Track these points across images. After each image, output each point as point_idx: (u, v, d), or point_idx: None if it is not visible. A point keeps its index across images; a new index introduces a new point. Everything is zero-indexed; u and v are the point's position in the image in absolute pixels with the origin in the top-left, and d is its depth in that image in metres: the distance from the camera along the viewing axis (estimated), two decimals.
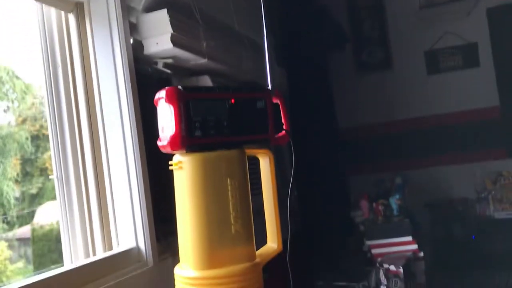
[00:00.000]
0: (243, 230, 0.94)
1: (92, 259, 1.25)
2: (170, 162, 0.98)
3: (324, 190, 2.56)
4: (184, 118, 0.90)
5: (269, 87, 1.26)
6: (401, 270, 2.08)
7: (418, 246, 2.35)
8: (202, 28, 1.59)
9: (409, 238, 2.37)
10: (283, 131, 1.05)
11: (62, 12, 1.33)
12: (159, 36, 1.38)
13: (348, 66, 3.35)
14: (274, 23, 2.49)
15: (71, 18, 1.34)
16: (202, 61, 1.58)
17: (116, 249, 1.32)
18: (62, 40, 1.34)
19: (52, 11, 1.33)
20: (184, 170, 0.93)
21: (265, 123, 1.02)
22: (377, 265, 2.17)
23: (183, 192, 0.94)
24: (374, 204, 2.54)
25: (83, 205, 1.33)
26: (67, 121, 1.33)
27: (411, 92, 3.20)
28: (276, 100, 1.04)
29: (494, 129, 3.01)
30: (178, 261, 1.00)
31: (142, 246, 1.32)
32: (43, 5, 1.31)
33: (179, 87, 0.91)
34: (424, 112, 3.18)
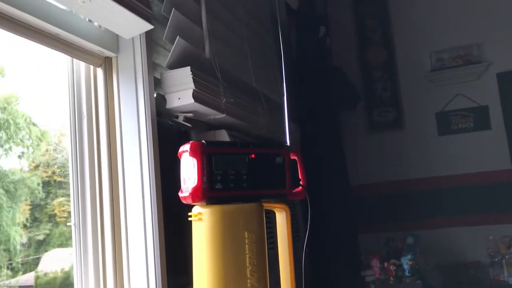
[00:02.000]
0: (258, 285, 0.95)
1: None
2: (189, 213, 1.00)
3: (335, 247, 2.54)
4: (206, 171, 0.93)
5: (287, 143, 1.30)
6: None
7: None
8: (222, 84, 1.65)
9: None
10: (300, 187, 1.07)
11: (91, 66, 1.40)
12: (182, 91, 1.44)
13: (361, 125, 3.41)
14: (289, 81, 2.57)
15: (99, 72, 1.41)
16: (221, 116, 1.63)
17: None
18: (89, 92, 1.40)
19: (82, 65, 1.40)
20: (203, 221, 0.96)
21: (283, 178, 1.04)
22: None
23: (201, 243, 0.96)
24: (385, 264, 2.51)
25: (98, 252, 1.35)
26: (88, 169, 1.37)
27: (423, 152, 3.24)
28: (293, 156, 1.08)
29: (508, 192, 3.00)
30: None
31: None
32: (74, 59, 1.38)
33: (203, 141, 0.95)
34: (436, 173, 3.20)
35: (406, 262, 2.46)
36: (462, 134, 3.22)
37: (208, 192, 0.94)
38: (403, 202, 3.19)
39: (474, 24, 3.22)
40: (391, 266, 2.49)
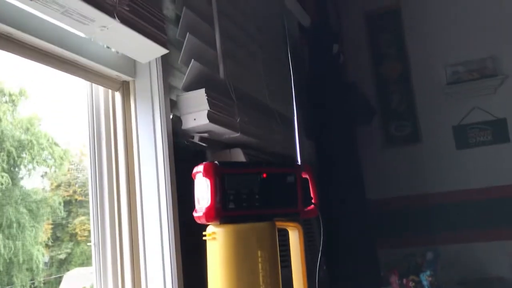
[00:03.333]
0: None
1: None
2: (204, 233, 1.03)
3: (353, 263, 2.53)
4: (219, 191, 0.96)
5: (299, 161, 1.32)
6: None
7: None
8: (236, 104, 1.69)
9: None
10: (312, 205, 1.09)
11: (110, 91, 1.46)
12: (197, 112, 1.48)
13: (377, 139, 3.41)
14: (303, 96, 2.60)
15: (117, 95, 1.46)
16: (235, 135, 1.66)
17: None
18: (107, 115, 1.45)
19: (100, 89, 1.45)
20: (217, 240, 0.98)
21: (295, 197, 1.07)
22: None
23: (215, 261, 0.98)
24: (404, 280, 2.48)
25: (117, 272, 1.38)
26: (107, 189, 1.41)
27: (441, 166, 3.22)
28: (305, 175, 1.10)
29: None
30: None
31: None
32: (93, 84, 1.43)
33: (216, 162, 0.98)
34: (455, 187, 3.17)
35: (425, 278, 2.43)
36: (480, 147, 3.20)
37: (222, 211, 0.97)
38: (421, 217, 3.16)
39: (489, 37, 3.21)
40: (410, 283, 2.46)
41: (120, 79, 1.44)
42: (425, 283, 2.43)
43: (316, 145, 2.65)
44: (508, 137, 3.14)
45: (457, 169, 3.18)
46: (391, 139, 3.41)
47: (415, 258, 2.83)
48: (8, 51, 1.09)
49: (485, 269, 2.98)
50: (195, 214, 1.02)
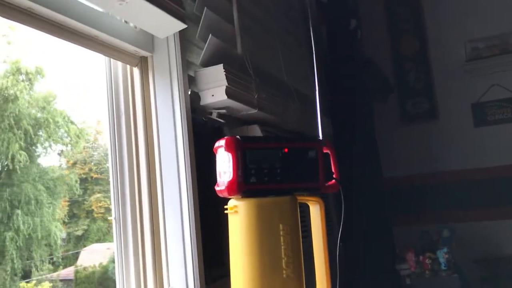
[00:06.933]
0: (294, 275, 0.97)
1: None
2: (225, 206, 1.03)
3: (369, 240, 2.53)
4: (241, 165, 0.96)
5: (320, 137, 1.31)
6: None
7: None
8: (254, 80, 1.68)
9: None
10: (333, 180, 1.09)
11: (128, 66, 1.45)
12: (215, 88, 1.48)
13: (394, 116, 3.37)
14: (321, 74, 2.57)
15: (136, 71, 1.46)
16: (253, 111, 1.66)
17: None
18: (126, 91, 1.45)
19: (119, 65, 1.45)
20: (239, 214, 0.99)
21: (316, 172, 1.06)
22: None
23: (237, 235, 0.99)
24: (421, 258, 2.49)
25: (138, 246, 1.40)
26: (127, 165, 1.42)
27: (458, 144, 3.18)
28: (326, 150, 1.09)
29: None
30: None
31: None
32: (111, 59, 1.43)
33: (238, 136, 0.98)
34: (472, 165, 3.14)
35: (442, 255, 2.43)
36: (499, 125, 3.15)
37: (243, 185, 0.97)
38: (438, 195, 3.14)
39: (510, 11, 3.13)
40: (427, 260, 2.46)
41: (138, 55, 1.44)
42: (441, 260, 2.43)
43: (332, 122, 2.64)
44: None
45: (475, 147, 3.14)
46: (407, 116, 3.37)
47: (430, 236, 2.82)
48: (28, 25, 1.09)
49: (501, 247, 2.97)
50: (217, 188, 1.03)
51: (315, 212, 1.09)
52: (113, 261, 1.42)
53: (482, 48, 3.21)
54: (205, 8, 1.52)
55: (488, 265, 2.84)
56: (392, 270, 2.59)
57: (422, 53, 3.39)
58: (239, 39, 1.70)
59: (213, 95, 1.48)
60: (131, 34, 1.37)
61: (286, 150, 1.03)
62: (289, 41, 2.29)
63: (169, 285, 1.39)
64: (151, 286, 1.37)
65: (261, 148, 1.01)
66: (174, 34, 1.42)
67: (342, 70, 2.77)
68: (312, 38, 1.53)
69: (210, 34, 1.50)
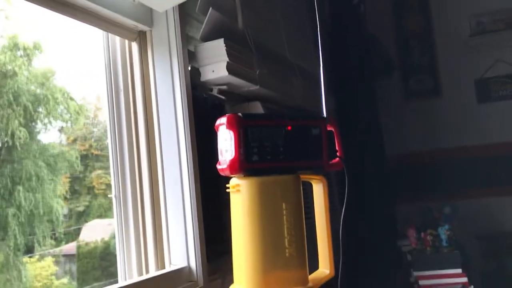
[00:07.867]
0: (296, 254, 0.96)
1: (145, 276, 1.29)
2: (227, 185, 1.01)
3: (370, 217, 2.53)
4: (243, 143, 0.94)
5: (324, 114, 1.29)
6: None
7: (469, 279, 2.28)
8: (255, 56, 1.64)
9: (459, 271, 2.30)
10: (337, 158, 1.07)
11: (126, 41, 1.42)
12: (215, 64, 1.44)
13: (397, 93, 3.34)
14: (325, 50, 2.52)
15: (134, 46, 1.42)
16: (255, 88, 1.63)
17: (168, 268, 1.36)
18: (125, 67, 1.42)
19: (117, 39, 1.41)
20: (241, 193, 0.97)
21: (320, 150, 1.04)
22: None
23: (239, 214, 0.98)
24: (422, 234, 2.49)
25: (138, 223, 1.39)
26: (126, 142, 1.39)
27: (461, 121, 3.15)
28: (330, 128, 1.07)
29: None
30: (227, 282, 1.02)
31: (193, 265, 1.35)
32: (109, 34, 1.39)
33: (239, 114, 0.95)
34: (475, 141, 3.12)
35: (443, 232, 2.43)
36: (503, 101, 3.11)
37: (245, 164, 0.95)
38: (440, 172, 3.13)
39: None
40: (428, 236, 2.46)
41: (137, 29, 1.40)
42: (443, 237, 2.43)
43: (335, 99, 2.60)
44: None
45: (478, 123, 3.12)
46: (411, 93, 3.34)
47: (432, 213, 2.82)
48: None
49: (502, 224, 2.97)
50: (218, 167, 1.00)
51: (319, 191, 1.08)
52: (115, 237, 1.42)
53: (486, 23, 3.15)
54: None
55: (490, 242, 2.85)
56: (393, 246, 2.60)
57: (426, 28, 3.34)
58: (240, 13, 1.66)
59: (213, 71, 1.45)
60: (129, 8, 1.33)
61: (289, 127, 1.00)
62: (292, 16, 2.24)
63: (170, 262, 1.38)
64: (152, 264, 1.37)
65: (263, 125, 0.99)
66: (173, 8, 1.38)
67: (345, 46, 2.72)
68: (316, 13, 1.48)
69: (211, 8, 1.46)
